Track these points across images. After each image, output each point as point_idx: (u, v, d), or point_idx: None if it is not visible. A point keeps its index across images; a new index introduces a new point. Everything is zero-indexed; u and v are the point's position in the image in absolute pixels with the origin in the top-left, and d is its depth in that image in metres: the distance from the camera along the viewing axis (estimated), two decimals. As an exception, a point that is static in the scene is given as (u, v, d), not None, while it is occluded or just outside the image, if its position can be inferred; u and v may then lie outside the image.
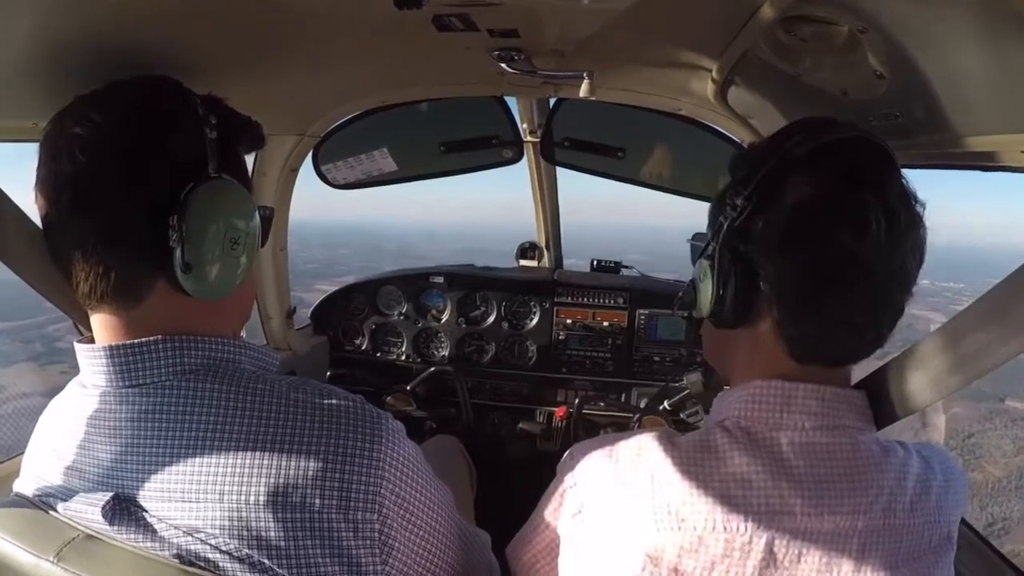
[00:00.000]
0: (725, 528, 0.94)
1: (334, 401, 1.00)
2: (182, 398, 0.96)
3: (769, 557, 0.94)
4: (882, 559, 0.97)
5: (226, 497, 0.91)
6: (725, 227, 1.04)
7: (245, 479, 0.91)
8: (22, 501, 1.03)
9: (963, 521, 1.38)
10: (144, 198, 0.95)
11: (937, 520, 1.03)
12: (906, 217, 0.97)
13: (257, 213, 1.10)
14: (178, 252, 0.95)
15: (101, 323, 1.01)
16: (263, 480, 0.91)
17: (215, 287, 1.02)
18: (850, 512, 0.96)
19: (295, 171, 2.52)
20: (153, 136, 0.97)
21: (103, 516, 0.92)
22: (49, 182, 0.97)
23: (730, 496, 0.96)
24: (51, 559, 0.90)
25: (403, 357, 3.02)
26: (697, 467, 0.99)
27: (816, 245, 0.98)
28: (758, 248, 1.02)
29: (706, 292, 1.09)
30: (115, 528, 0.93)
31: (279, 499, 0.91)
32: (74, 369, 1.05)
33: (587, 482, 1.08)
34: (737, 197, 1.03)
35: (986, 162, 1.15)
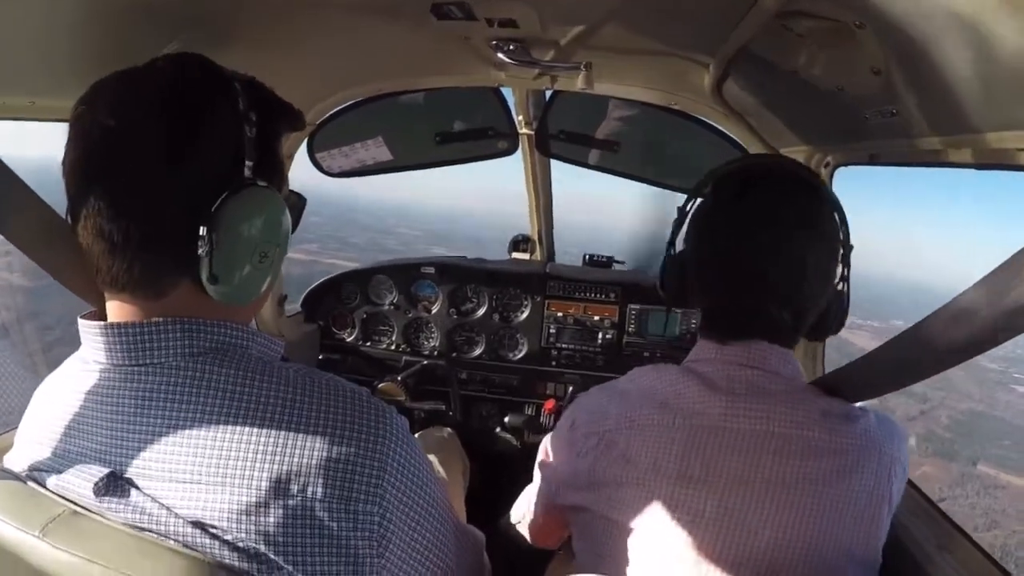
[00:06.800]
0: (658, 423, 1.22)
1: (341, 391, 0.99)
2: (189, 380, 0.95)
3: (690, 444, 1.18)
4: (799, 460, 1.15)
5: (228, 480, 0.90)
6: (671, 234, 1.42)
7: (248, 463, 0.90)
8: (8, 475, 1.02)
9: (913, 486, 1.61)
10: (176, 202, 0.93)
11: (865, 444, 1.18)
12: (786, 228, 1.22)
13: (288, 218, 1.07)
14: (206, 261, 0.94)
15: (116, 307, 1.00)
16: (266, 465, 0.90)
17: (239, 296, 1.01)
18: (763, 418, 1.17)
19: (290, 158, 2.50)
20: (189, 136, 0.94)
21: (94, 492, 0.91)
22: (77, 168, 0.94)
23: (666, 403, 1.23)
24: (36, 534, 0.89)
25: (393, 347, 3.02)
26: (649, 385, 1.29)
27: (705, 250, 1.31)
28: (686, 247, 1.36)
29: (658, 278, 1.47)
30: (105, 504, 0.92)
31: (281, 486, 0.90)
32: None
33: (579, 406, 1.40)
34: (679, 211, 1.40)
35: (984, 160, 1.15)
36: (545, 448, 1.51)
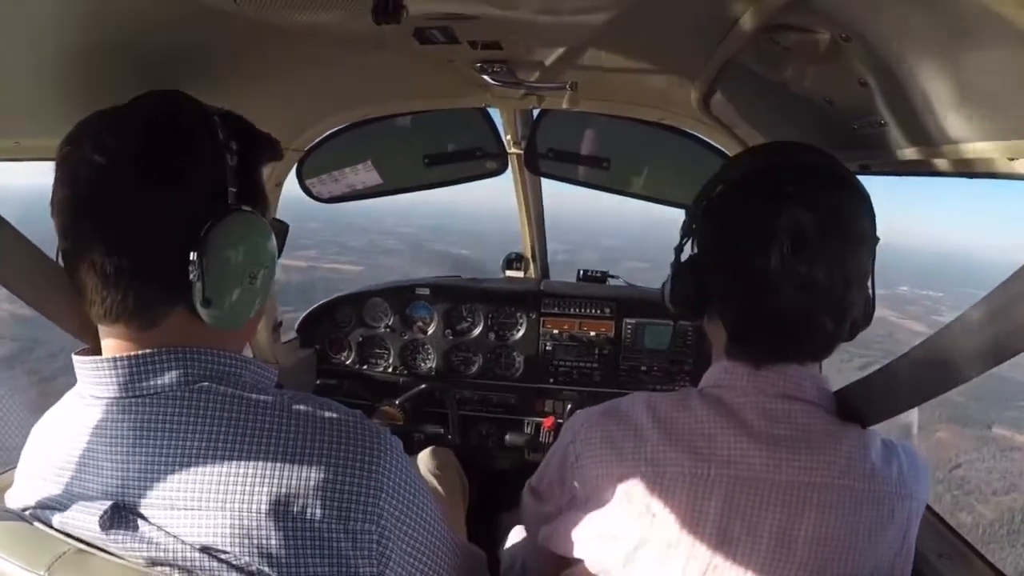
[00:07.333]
0: (691, 473, 1.09)
1: (335, 415, 1.01)
2: (186, 408, 0.97)
3: (730, 500, 1.08)
4: (842, 514, 1.08)
5: (228, 506, 0.91)
6: (680, 240, 1.27)
7: (248, 488, 0.92)
8: (12, 516, 1.03)
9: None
10: (165, 232, 0.96)
11: (900, 491, 1.12)
12: (834, 232, 1.09)
13: (274, 241, 1.11)
14: (198, 286, 0.97)
15: (111, 339, 1.02)
16: (265, 489, 0.92)
17: (232, 319, 1.04)
18: (806, 468, 1.08)
19: (279, 186, 2.49)
20: (173, 168, 0.97)
21: (100, 525, 0.92)
22: (67, 207, 0.97)
23: (696, 447, 1.11)
24: (42, 574, 0.89)
25: (390, 369, 3.00)
26: (671, 422, 1.15)
27: (740, 258, 1.14)
28: (702, 258, 1.23)
29: (666, 288, 1.30)
30: (111, 537, 0.93)
31: (280, 508, 0.92)
32: None
33: (583, 436, 1.23)
34: (690, 214, 1.25)
35: (971, 169, 1.15)
36: (537, 488, 1.38)
